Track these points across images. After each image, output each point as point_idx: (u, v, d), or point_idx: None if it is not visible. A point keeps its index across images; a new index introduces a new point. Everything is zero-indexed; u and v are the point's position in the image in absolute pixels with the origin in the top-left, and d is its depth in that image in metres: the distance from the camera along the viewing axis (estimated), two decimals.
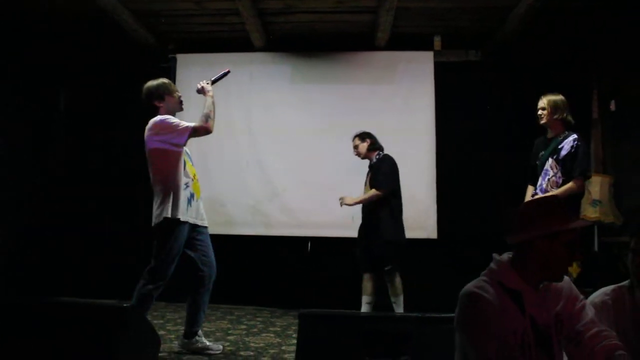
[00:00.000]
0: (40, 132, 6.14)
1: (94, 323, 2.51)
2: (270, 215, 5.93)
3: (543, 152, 4.24)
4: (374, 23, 5.68)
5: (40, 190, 5.99)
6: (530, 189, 4.33)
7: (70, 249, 5.99)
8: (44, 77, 6.17)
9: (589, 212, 5.13)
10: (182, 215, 3.72)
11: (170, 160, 3.78)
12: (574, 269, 4.17)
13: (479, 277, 1.92)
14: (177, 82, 6.18)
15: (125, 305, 2.50)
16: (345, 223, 5.77)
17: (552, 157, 4.15)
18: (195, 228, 3.90)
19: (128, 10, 5.49)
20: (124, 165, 5.90)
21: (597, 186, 5.22)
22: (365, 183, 5.07)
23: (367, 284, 4.87)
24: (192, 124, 3.80)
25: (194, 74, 6.18)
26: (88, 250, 6.01)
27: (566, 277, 1.97)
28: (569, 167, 4.04)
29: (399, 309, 4.77)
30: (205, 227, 4.02)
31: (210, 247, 4.01)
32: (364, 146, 5.07)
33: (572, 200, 4.01)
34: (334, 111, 5.95)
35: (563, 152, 4.09)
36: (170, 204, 3.68)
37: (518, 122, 5.82)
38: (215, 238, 5.85)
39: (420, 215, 5.76)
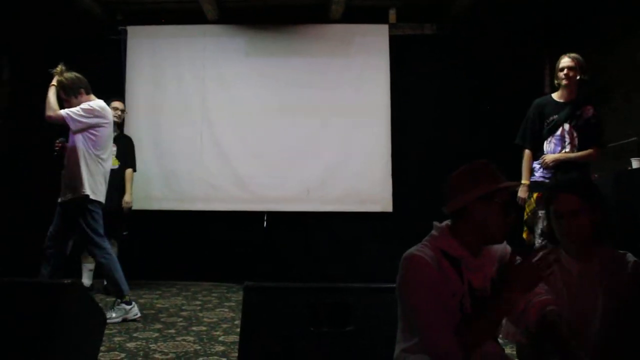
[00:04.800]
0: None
1: (34, 301, 2.44)
2: (225, 190, 5.85)
3: (555, 117, 3.98)
4: None
5: None
6: (529, 155, 4.09)
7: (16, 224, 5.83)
8: None
9: None
10: None
11: None
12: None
13: (420, 243, 1.93)
14: (128, 55, 6.05)
15: (65, 282, 2.41)
16: (301, 197, 5.78)
17: (568, 123, 3.95)
18: None
19: None
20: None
21: None
22: None
23: None
24: None
25: (145, 46, 6.06)
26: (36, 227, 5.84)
27: None
28: (589, 135, 3.89)
29: None
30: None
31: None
32: None
33: (584, 167, 3.91)
34: (289, 84, 5.90)
35: (584, 119, 3.91)
36: None
37: (472, 95, 5.87)
38: (170, 214, 5.86)
39: (375, 188, 5.79)
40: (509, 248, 1.99)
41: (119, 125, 5.41)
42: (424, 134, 5.88)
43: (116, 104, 5.32)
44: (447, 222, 1.97)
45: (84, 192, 4.04)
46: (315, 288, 2.43)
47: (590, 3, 5.27)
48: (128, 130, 5.89)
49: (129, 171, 5.35)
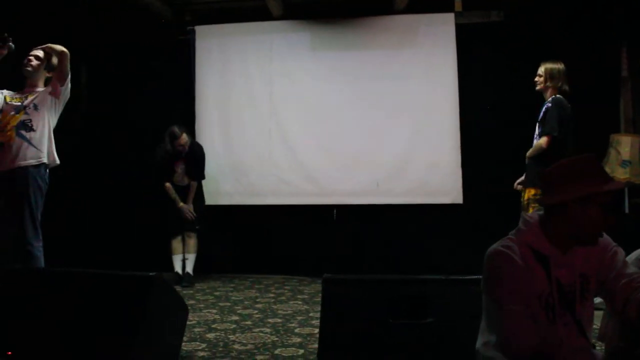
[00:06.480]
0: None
1: (122, 292, 2.57)
2: (295, 184, 5.92)
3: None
4: None
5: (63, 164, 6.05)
6: None
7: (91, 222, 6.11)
8: None
9: (619, 173, 5.03)
10: None
11: None
12: None
13: (505, 237, 1.89)
14: (197, 54, 6.19)
15: (151, 274, 2.53)
16: (370, 190, 5.78)
17: (538, 121, 4.37)
18: None
19: None
20: (145, 137, 5.92)
21: (627, 146, 5.10)
22: None
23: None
24: None
25: (213, 45, 6.20)
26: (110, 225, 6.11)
27: None
28: (542, 127, 4.25)
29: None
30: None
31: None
32: None
33: (541, 158, 4.18)
34: (355, 77, 5.88)
35: (540, 115, 4.30)
36: None
37: None
38: (241, 208, 5.99)
39: (444, 180, 5.70)
40: (608, 240, 1.89)
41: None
42: (494, 124, 5.73)
43: (182, 140, 5.48)
44: (537, 212, 1.91)
45: (55, 159, 3.90)
46: (393, 280, 2.44)
47: None
48: (199, 129, 6.06)
49: (193, 183, 5.59)
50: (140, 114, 6.17)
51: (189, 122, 5.98)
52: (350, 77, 5.88)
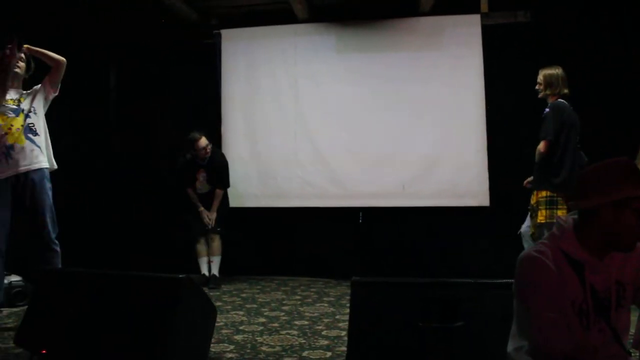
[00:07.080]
0: (92, 111, 6.24)
1: (152, 294, 2.60)
2: (320, 186, 5.93)
3: None
4: None
5: (91, 168, 6.15)
6: None
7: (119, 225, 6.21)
8: (94, 57, 6.27)
9: None
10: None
11: None
12: None
13: (539, 242, 1.87)
14: (222, 58, 6.24)
15: (180, 277, 2.56)
16: (396, 192, 5.76)
17: None
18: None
19: None
20: (172, 141, 5.99)
21: None
22: None
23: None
24: None
25: (239, 48, 6.24)
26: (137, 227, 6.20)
27: None
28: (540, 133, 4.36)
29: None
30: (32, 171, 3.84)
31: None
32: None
33: (542, 162, 4.34)
34: (381, 80, 5.86)
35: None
36: None
37: (570, 84, 5.61)
38: (267, 210, 6.02)
39: (471, 182, 5.66)
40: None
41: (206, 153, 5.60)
42: (521, 125, 5.65)
43: (201, 143, 5.50)
44: (572, 216, 1.88)
45: (53, 164, 3.96)
46: (422, 283, 2.43)
47: None
48: (225, 132, 6.10)
49: (218, 191, 5.63)
50: (167, 118, 6.26)
51: (215, 125, 6.04)
52: (376, 79, 5.88)
